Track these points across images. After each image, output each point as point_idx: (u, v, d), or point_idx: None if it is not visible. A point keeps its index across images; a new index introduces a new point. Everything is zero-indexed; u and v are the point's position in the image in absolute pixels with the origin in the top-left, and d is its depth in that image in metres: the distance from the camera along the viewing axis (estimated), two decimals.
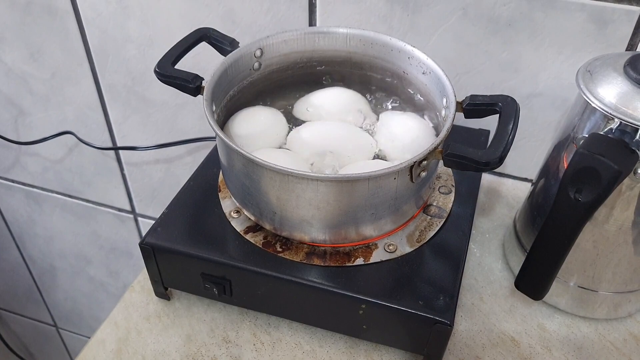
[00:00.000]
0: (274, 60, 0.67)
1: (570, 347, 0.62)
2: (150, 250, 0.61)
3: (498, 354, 0.61)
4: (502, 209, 0.77)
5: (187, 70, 0.59)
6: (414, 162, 0.52)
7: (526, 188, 0.80)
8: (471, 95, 0.57)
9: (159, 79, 0.60)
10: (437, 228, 0.61)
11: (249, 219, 0.62)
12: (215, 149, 0.72)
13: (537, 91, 0.73)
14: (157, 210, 1.13)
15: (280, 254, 0.59)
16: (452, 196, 0.64)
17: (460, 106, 0.57)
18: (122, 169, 1.09)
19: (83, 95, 0.98)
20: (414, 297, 0.55)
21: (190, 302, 0.66)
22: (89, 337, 0.65)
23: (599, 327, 0.64)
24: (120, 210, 1.19)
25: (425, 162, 0.53)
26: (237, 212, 0.63)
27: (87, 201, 1.20)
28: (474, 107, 0.57)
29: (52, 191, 1.21)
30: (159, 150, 0.96)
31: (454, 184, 0.66)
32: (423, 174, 0.55)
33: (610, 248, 0.58)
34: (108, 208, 1.20)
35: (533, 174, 0.80)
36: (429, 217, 0.62)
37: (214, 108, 0.59)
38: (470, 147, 0.52)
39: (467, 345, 0.62)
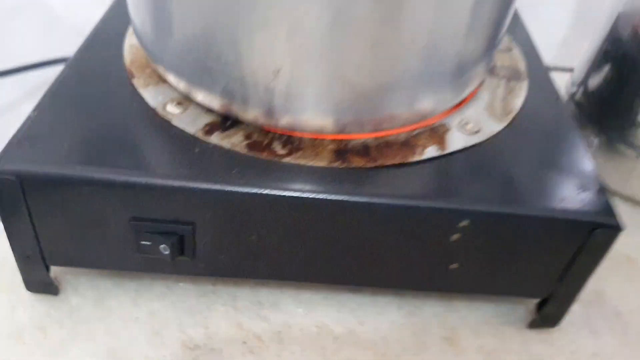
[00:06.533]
0: None
1: None
2: (17, 187, 0.29)
3: (622, 282, 0.40)
4: None
5: None
6: None
7: None
8: None
9: None
10: (524, 93, 0.37)
11: (208, 111, 0.33)
12: (110, 17, 0.41)
13: None
14: None
15: (286, 159, 0.31)
16: (515, 53, 0.41)
17: None
18: None
19: None
20: (545, 194, 0.31)
21: (101, 292, 0.35)
22: None
23: None
24: None
25: None
26: (179, 104, 0.34)
27: None
28: None
29: None
30: None
31: (511, 39, 0.43)
32: None
33: None
34: None
35: (547, 59, 0.61)
36: (503, 81, 0.38)
37: None
38: None
39: None
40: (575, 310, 0.37)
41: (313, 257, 0.32)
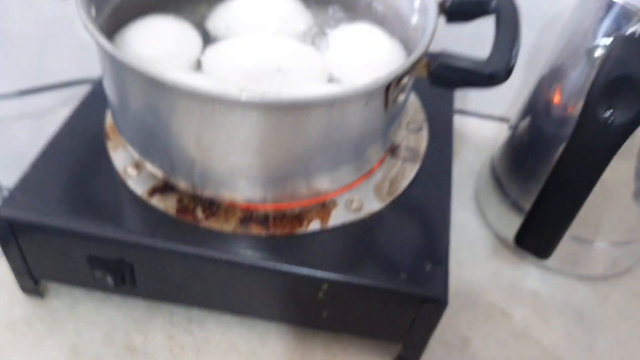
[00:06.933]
0: None
1: (570, 314, 0.51)
2: (8, 228, 0.41)
3: (488, 331, 0.48)
4: (468, 154, 0.63)
5: None
6: (392, 80, 0.36)
7: (495, 127, 0.67)
8: None
9: None
10: (412, 175, 0.46)
11: (154, 176, 0.44)
12: (99, 84, 0.52)
13: None
14: None
15: (203, 223, 0.41)
16: (424, 133, 0.50)
17: (443, 7, 0.42)
18: None
19: None
20: (392, 269, 0.40)
21: (75, 299, 0.47)
22: None
23: (597, 287, 0.53)
24: None
25: (406, 79, 0.38)
26: (136, 167, 0.44)
27: None
28: (459, 7, 0.42)
29: None
30: (24, 100, 0.73)
31: (425, 118, 0.51)
32: (401, 97, 0.40)
33: (610, 189, 0.47)
34: None
35: (501, 110, 0.68)
36: (400, 162, 0.47)
37: (93, 13, 0.40)
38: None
39: (449, 324, 0.48)
40: (438, 352, 0.47)
41: (223, 295, 0.43)
